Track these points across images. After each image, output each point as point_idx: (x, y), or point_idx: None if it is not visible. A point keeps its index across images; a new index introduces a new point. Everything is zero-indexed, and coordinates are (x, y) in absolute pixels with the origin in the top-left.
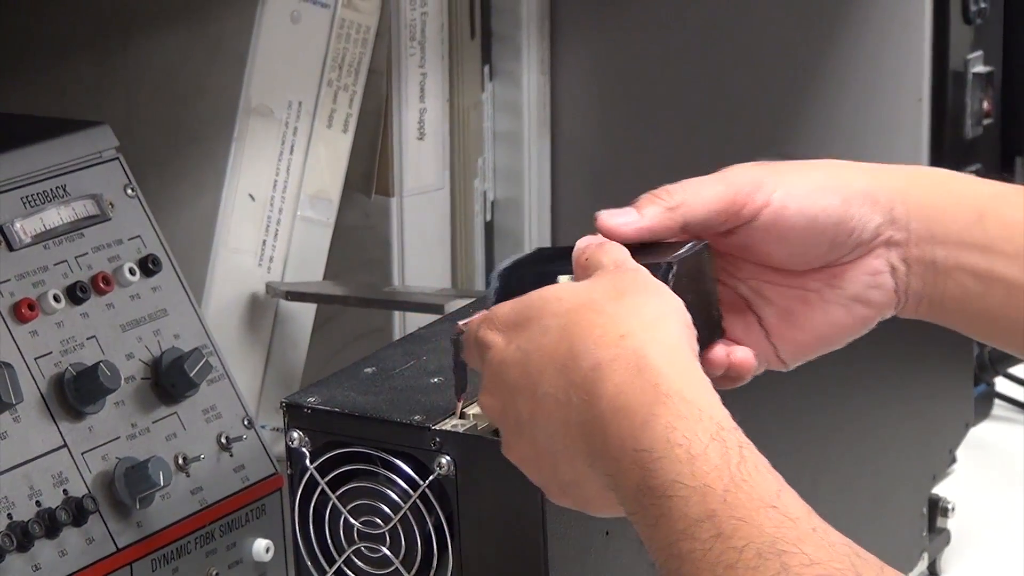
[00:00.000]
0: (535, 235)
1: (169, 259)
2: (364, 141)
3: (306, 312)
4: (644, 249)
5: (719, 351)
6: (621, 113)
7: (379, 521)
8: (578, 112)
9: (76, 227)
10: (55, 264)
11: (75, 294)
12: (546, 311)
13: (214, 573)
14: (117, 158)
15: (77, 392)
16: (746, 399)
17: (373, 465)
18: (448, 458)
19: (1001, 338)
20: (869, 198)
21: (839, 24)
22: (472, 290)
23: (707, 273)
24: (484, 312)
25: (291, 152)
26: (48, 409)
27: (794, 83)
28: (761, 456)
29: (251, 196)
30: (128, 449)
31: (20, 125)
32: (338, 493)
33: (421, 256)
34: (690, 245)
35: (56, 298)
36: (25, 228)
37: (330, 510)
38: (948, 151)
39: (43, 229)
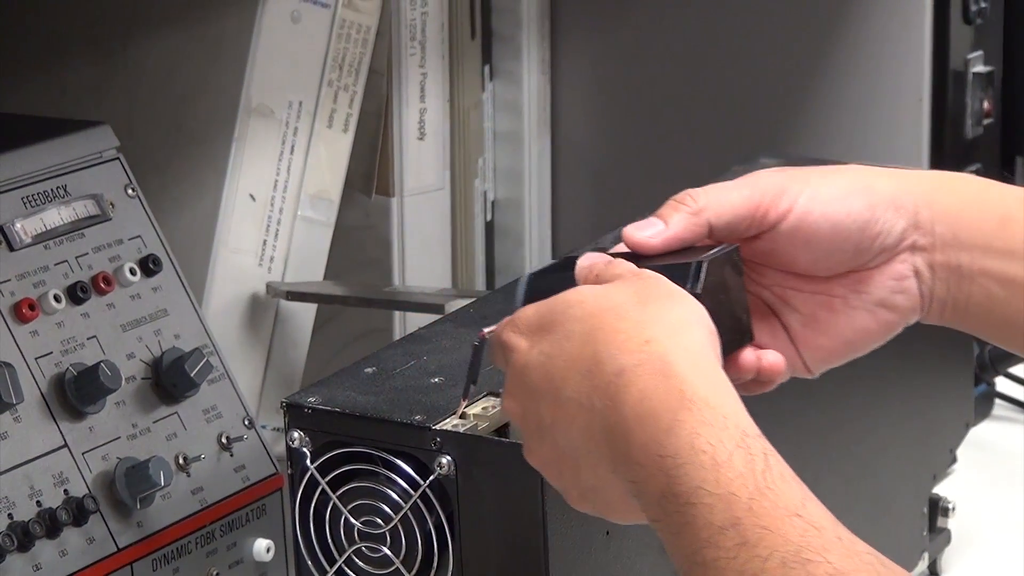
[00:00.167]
0: (535, 235)
1: (170, 259)
2: (364, 141)
3: (306, 312)
4: (671, 253)
5: (748, 355)
6: (621, 113)
7: (379, 521)
8: (578, 112)
9: (77, 227)
10: (56, 264)
11: (76, 294)
12: (569, 315)
13: (215, 573)
14: (117, 158)
15: (78, 392)
16: (746, 399)
17: (374, 465)
18: (448, 458)
19: None
20: (894, 203)
21: (839, 24)
22: (472, 290)
23: (737, 276)
24: (509, 316)
25: (291, 152)
26: (49, 409)
27: (794, 83)
28: (785, 464)
29: (252, 196)
30: (129, 449)
31: (20, 125)
32: (339, 493)
33: (421, 256)
34: (719, 247)
35: (57, 298)
36: (26, 228)
37: (331, 510)
38: (948, 151)
39: (44, 229)
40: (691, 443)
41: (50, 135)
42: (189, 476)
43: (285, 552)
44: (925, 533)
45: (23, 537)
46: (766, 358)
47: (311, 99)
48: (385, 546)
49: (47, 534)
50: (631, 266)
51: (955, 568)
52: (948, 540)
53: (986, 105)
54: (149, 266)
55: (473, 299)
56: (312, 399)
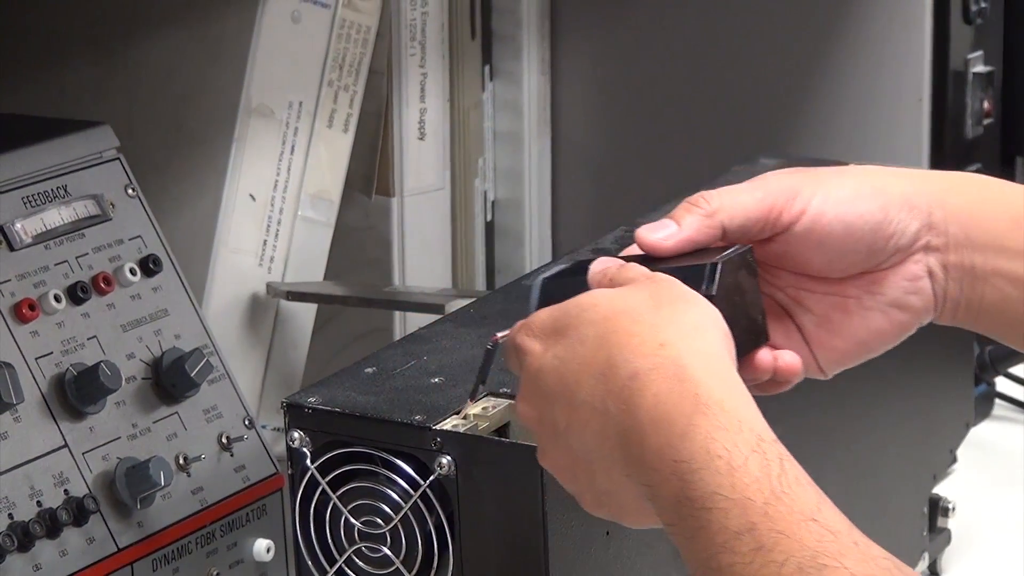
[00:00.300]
0: (535, 235)
1: (170, 259)
2: (365, 141)
3: (307, 312)
4: (684, 255)
5: (765, 355)
6: (621, 113)
7: (380, 521)
8: (578, 112)
9: (77, 227)
10: (56, 264)
11: (76, 294)
12: (583, 319)
13: (215, 573)
14: (118, 158)
15: (78, 392)
16: None
17: (374, 465)
18: (449, 458)
19: None
20: (907, 203)
21: (839, 24)
22: (472, 290)
23: (751, 277)
24: (524, 320)
25: (292, 152)
26: (49, 409)
27: (794, 83)
28: (801, 469)
29: (252, 196)
30: (129, 449)
31: (20, 125)
32: (339, 493)
33: (421, 256)
34: (733, 248)
35: (57, 298)
36: (26, 228)
37: (331, 510)
38: (948, 151)
39: (44, 229)
40: (706, 448)
41: (50, 135)
42: (189, 476)
43: (285, 552)
44: (925, 533)
45: (23, 537)
46: (782, 358)
47: (311, 99)
48: (385, 546)
49: (47, 534)
50: (644, 270)
51: (955, 568)
52: (948, 540)
53: (986, 105)
54: (149, 266)
55: (473, 299)
56: (312, 399)
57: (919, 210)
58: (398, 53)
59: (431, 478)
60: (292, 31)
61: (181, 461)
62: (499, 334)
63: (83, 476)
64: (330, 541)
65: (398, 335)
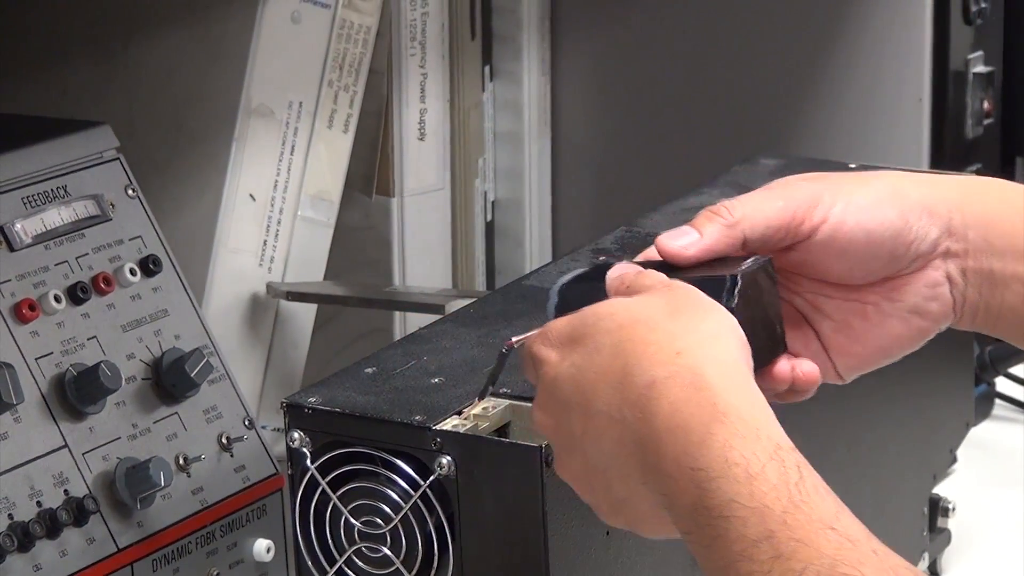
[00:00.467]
0: (535, 235)
1: (170, 259)
2: (365, 141)
3: (307, 312)
4: (703, 264)
5: (783, 365)
6: (621, 113)
7: (380, 521)
8: (578, 112)
9: (77, 227)
10: (56, 264)
11: (76, 294)
12: (600, 328)
13: (215, 573)
14: (118, 158)
15: (78, 392)
16: None
17: (374, 465)
18: (449, 458)
19: None
20: (927, 210)
21: (839, 24)
22: (472, 290)
23: (771, 287)
24: (540, 328)
25: (292, 152)
26: (49, 409)
27: (794, 83)
28: (819, 477)
29: (252, 196)
30: (129, 449)
31: (20, 125)
32: (339, 493)
33: (422, 256)
34: (753, 259)
35: (57, 298)
36: (26, 228)
37: (331, 510)
38: (948, 151)
39: (44, 229)
40: (724, 456)
41: (50, 135)
42: (189, 476)
43: (285, 552)
44: (925, 533)
45: (23, 537)
46: (801, 368)
47: (311, 99)
48: (385, 546)
49: (47, 534)
50: (662, 277)
51: (955, 568)
52: (948, 540)
53: (986, 105)
54: (149, 266)
55: (473, 299)
56: (312, 399)
57: (939, 216)
58: (398, 53)
59: (431, 478)
60: (292, 31)
61: (181, 461)
62: (515, 338)
63: (83, 476)
64: (330, 541)
65: (398, 335)
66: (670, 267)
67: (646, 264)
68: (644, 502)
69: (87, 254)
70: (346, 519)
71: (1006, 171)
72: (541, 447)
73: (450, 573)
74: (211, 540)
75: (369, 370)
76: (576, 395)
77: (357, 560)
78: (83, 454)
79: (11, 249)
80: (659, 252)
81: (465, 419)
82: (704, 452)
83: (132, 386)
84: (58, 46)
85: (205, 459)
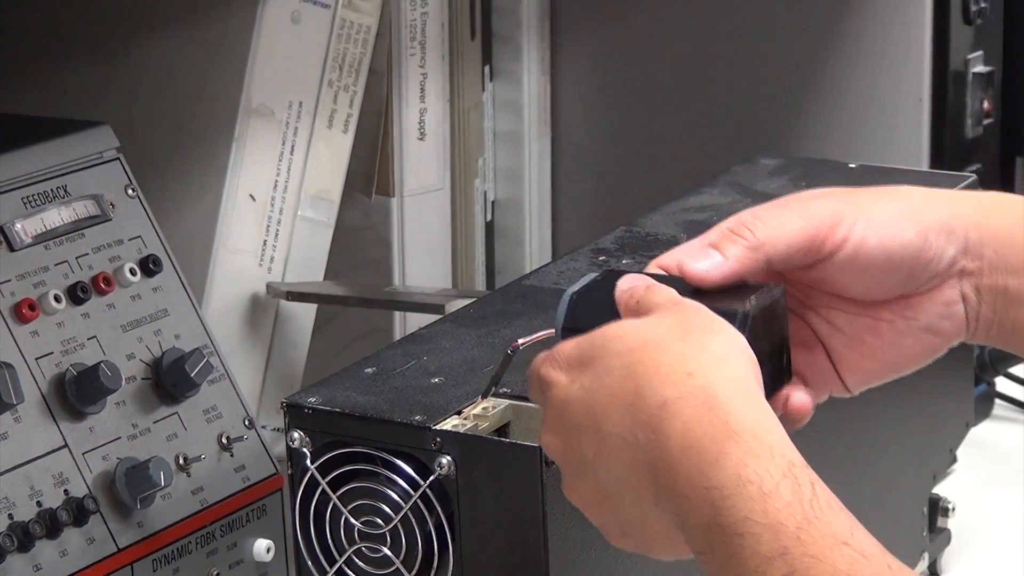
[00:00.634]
0: (535, 235)
1: (170, 259)
2: (364, 141)
3: (307, 312)
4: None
5: (777, 398)
6: (621, 113)
7: (380, 521)
8: (578, 112)
9: (77, 227)
10: (56, 264)
11: (76, 294)
12: (609, 350)
13: (215, 573)
14: (118, 158)
15: (78, 392)
16: None
17: (374, 465)
18: (449, 458)
19: None
20: (945, 228)
21: (839, 24)
22: (472, 290)
23: (782, 319)
24: (547, 351)
25: (292, 152)
26: (49, 409)
27: (794, 83)
28: (831, 493)
29: (252, 196)
30: (129, 449)
31: (20, 125)
32: (339, 493)
33: (421, 256)
34: (765, 289)
35: (57, 298)
36: (26, 228)
37: (331, 510)
38: (948, 151)
39: (44, 229)
40: (737, 474)
41: (50, 135)
42: (189, 476)
43: (285, 552)
44: (925, 533)
45: (23, 537)
46: (792, 402)
47: (311, 99)
48: (385, 546)
49: (47, 534)
50: (672, 293)
51: (955, 568)
52: (948, 540)
53: (986, 105)
54: (149, 266)
55: (473, 299)
56: (312, 399)
57: (956, 235)
58: (398, 53)
59: (431, 478)
60: (292, 31)
61: (181, 461)
62: (521, 340)
63: (83, 476)
64: (330, 541)
65: (398, 335)
66: (679, 281)
67: (658, 277)
68: (656, 523)
69: (87, 254)
70: (346, 519)
71: (1006, 171)
72: (541, 447)
73: (450, 573)
74: (211, 540)
75: (369, 370)
76: (587, 418)
77: (357, 560)
78: (83, 454)
79: (11, 249)
80: (683, 274)
81: (465, 419)
82: (718, 471)
83: (132, 386)
84: (58, 46)
85: (205, 459)
